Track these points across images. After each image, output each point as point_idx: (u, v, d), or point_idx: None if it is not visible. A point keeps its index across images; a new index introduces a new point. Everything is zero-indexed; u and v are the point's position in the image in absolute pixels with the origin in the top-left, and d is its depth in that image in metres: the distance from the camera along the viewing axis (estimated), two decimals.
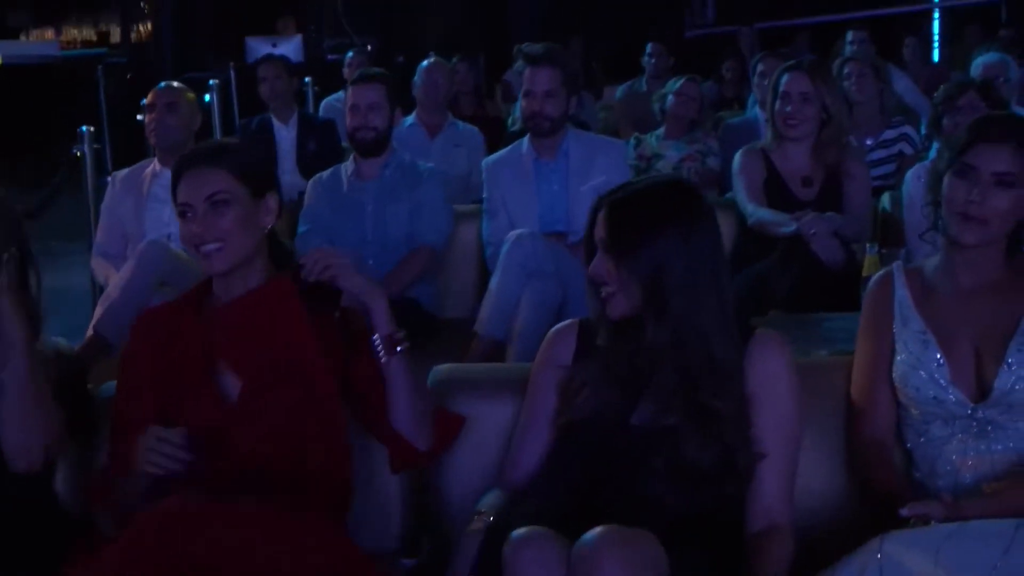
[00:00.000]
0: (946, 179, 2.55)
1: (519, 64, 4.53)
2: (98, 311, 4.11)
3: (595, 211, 2.42)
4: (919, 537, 2.22)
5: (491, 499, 2.46)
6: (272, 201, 2.63)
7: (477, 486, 2.59)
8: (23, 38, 16.71)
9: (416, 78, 6.46)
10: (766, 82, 5.25)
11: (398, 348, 2.58)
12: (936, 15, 13.92)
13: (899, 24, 12.90)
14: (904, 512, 2.28)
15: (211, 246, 2.51)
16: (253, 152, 2.77)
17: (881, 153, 5.72)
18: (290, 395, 2.52)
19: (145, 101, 4.75)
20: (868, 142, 5.75)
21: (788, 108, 4.40)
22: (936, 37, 13.68)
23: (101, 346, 3.94)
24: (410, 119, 6.36)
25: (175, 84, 4.79)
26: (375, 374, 2.58)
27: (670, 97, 6.24)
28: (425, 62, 6.57)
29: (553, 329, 2.58)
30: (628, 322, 2.39)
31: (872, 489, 2.59)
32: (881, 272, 2.73)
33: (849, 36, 8.37)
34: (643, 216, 2.36)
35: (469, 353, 4.07)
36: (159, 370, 2.56)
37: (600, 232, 2.37)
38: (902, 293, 2.63)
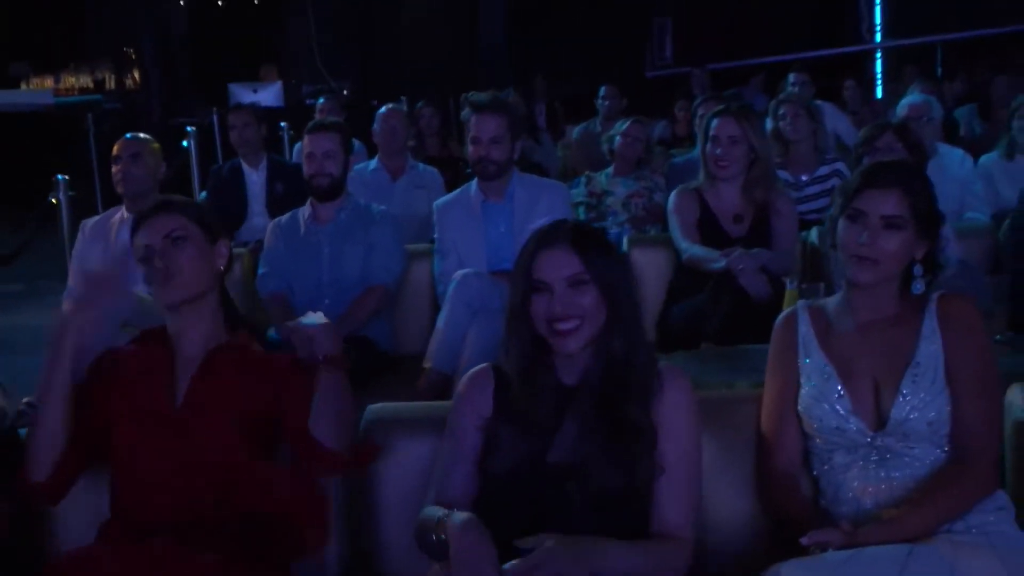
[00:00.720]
0: (840, 223, 2.59)
1: (466, 112, 4.54)
2: None
3: (534, 252, 2.41)
4: (815, 564, 2.24)
5: (432, 510, 2.43)
6: (224, 247, 2.72)
7: (408, 515, 2.57)
8: (24, 86, 16.71)
9: (375, 124, 6.47)
10: None
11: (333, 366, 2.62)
12: (878, 55, 14.04)
13: (844, 64, 13.02)
14: (804, 541, 2.31)
15: (168, 278, 2.61)
16: (203, 204, 2.82)
17: (815, 188, 5.76)
18: (232, 436, 2.55)
19: (113, 152, 4.74)
20: (803, 178, 5.79)
21: (718, 150, 4.44)
22: (879, 76, 13.81)
23: None
24: (373, 163, 6.38)
25: (140, 135, 4.78)
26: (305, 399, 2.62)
27: (617, 138, 6.27)
28: (383, 108, 6.58)
29: (468, 374, 2.57)
30: (547, 362, 2.42)
31: (780, 517, 2.61)
32: (786, 311, 2.76)
33: (791, 78, 8.45)
34: (601, 243, 2.44)
35: (419, 386, 4.08)
36: (113, 409, 2.60)
37: (568, 268, 2.37)
38: (805, 330, 2.66)
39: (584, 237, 2.42)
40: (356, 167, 6.32)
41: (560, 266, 2.38)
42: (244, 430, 2.58)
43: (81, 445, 2.61)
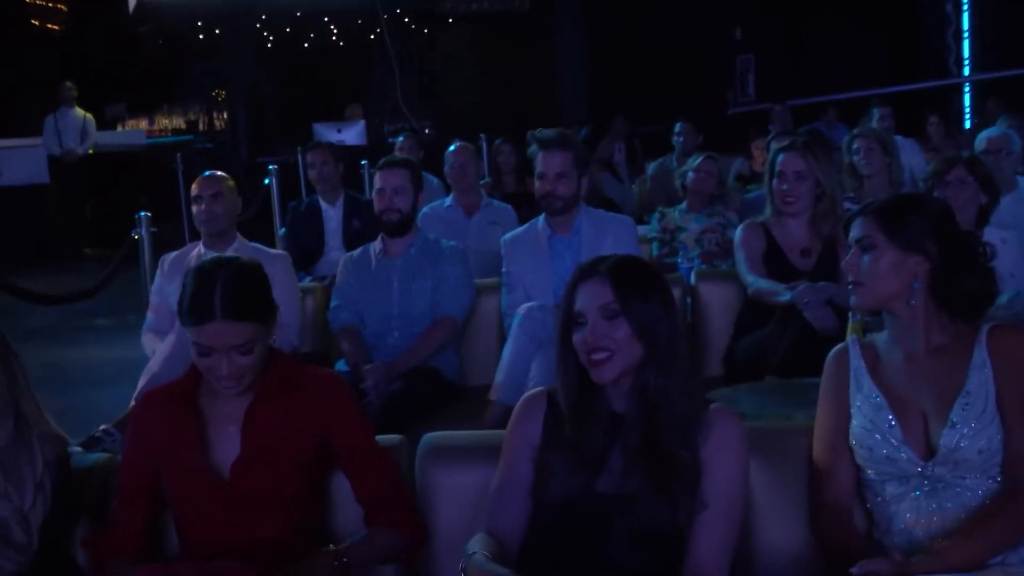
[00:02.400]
0: None
1: (532, 148, 4.60)
2: (141, 382, 4.22)
3: (576, 284, 2.47)
4: None
5: (477, 541, 2.47)
6: (275, 317, 2.63)
7: (461, 541, 2.60)
8: (120, 128, 17.22)
9: (445, 164, 6.56)
10: None
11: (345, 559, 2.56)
12: (967, 88, 13.86)
13: (930, 97, 12.89)
14: (854, 570, 2.31)
15: (236, 385, 2.56)
16: (256, 286, 2.61)
17: None
18: (283, 465, 2.59)
19: (192, 192, 4.88)
20: None
21: (784, 186, 4.45)
22: (967, 109, 13.63)
23: None
24: (448, 200, 6.47)
25: (217, 173, 4.91)
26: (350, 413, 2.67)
27: (690, 173, 6.30)
28: (452, 146, 6.66)
29: (523, 398, 2.62)
30: (595, 391, 2.45)
31: (832, 548, 2.61)
32: (838, 347, 2.77)
33: (876, 113, 8.38)
34: (639, 279, 2.45)
35: (485, 418, 4.12)
36: (156, 449, 2.62)
37: (601, 298, 2.42)
38: (857, 363, 2.68)
39: (623, 271, 2.45)
40: (432, 204, 6.44)
41: (594, 296, 2.43)
42: (299, 466, 2.61)
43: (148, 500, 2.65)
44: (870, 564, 2.33)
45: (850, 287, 2.66)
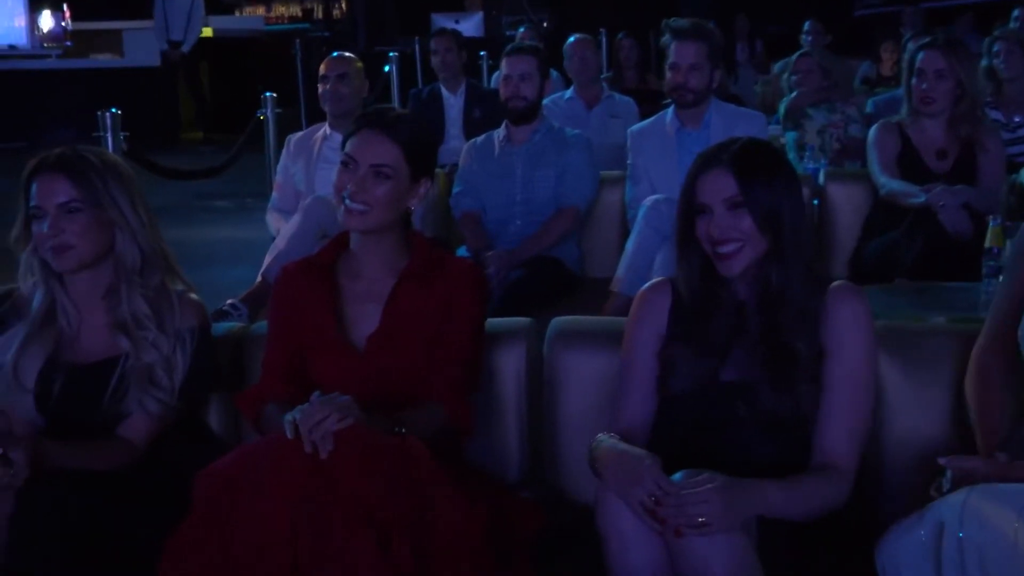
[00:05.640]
0: None
1: (665, 38, 4.50)
2: (267, 259, 4.30)
3: (697, 173, 2.38)
4: (1009, 491, 2.11)
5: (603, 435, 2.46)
6: (424, 187, 2.65)
7: (588, 427, 2.61)
8: (237, 13, 17.33)
9: (565, 59, 6.48)
10: None
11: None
12: None
13: None
14: (942, 461, 2.22)
15: (358, 206, 2.57)
16: (425, 133, 2.71)
17: None
18: (414, 341, 2.61)
19: (320, 71, 4.89)
20: (1016, 119, 5.55)
21: (924, 85, 4.32)
22: None
23: (266, 290, 4.09)
24: (569, 92, 6.41)
25: (346, 54, 4.92)
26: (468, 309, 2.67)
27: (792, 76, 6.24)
28: (571, 38, 6.58)
29: (645, 287, 2.58)
30: (719, 281, 2.41)
31: (974, 418, 2.49)
32: None
33: (1016, 13, 8.06)
34: (763, 167, 2.36)
35: (605, 310, 4.11)
36: (296, 319, 2.66)
37: (725, 191, 2.33)
38: None
39: (747, 160, 2.35)
40: (553, 96, 6.38)
41: (718, 188, 2.34)
42: (428, 345, 2.62)
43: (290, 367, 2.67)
44: (959, 460, 2.22)
45: None
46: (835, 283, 2.42)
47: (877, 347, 2.44)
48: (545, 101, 6.10)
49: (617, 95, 6.45)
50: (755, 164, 2.35)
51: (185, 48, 12.97)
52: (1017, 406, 2.50)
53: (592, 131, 5.79)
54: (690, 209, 2.40)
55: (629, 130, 4.75)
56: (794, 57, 6.30)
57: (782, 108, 6.25)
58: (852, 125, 5.95)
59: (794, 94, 6.18)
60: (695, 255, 2.42)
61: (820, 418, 2.34)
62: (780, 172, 2.38)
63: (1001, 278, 2.60)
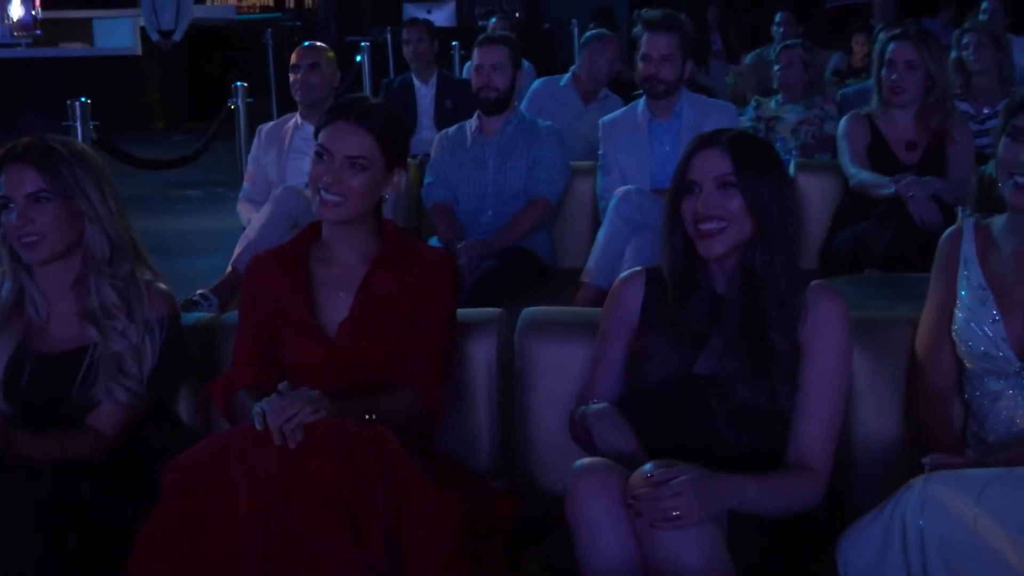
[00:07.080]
0: (1000, 142, 2.51)
1: (637, 29, 4.51)
2: (237, 249, 4.28)
3: (692, 153, 2.41)
4: (964, 477, 2.17)
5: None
6: (398, 176, 2.66)
7: (558, 416, 2.65)
8: (208, 3, 17.21)
9: (578, 53, 6.40)
10: None
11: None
12: None
13: None
14: (924, 461, 2.25)
15: (333, 197, 2.57)
16: (399, 123, 2.71)
17: (998, 122, 5.53)
18: (385, 328, 2.61)
19: (291, 61, 4.87)
20: (985, 110, 5.57)
21: (894, 76, 4.33)
22: None
23: (237, 280, 4.06)
24: (565, 78, 6.36)
25: (317, 44, 4.90)
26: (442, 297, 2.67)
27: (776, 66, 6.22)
28: (589, 33, 6.51)
29: (621, 277, 2.60)
30: (699, 267, 2.43)
31: (926, 440, 2.55)
32: (953, 226, 2.68)
33: (984, 5, 8.09)
34: (758, 154, 2.40)
35: (576, 300, 4.12)
36: (268, 306, 2.66)
37: (718, 168, 2.36)
38: (968, 247, 2.58)
39: (743, 145, 2.39)
40: (548, 77, 6.43)
41: (711, 166, 2.37)
42: (399, 332, 2.62)
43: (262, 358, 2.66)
44: (940, 459, 2.26)
45: (1012, 181, 2.46)
46: (814, 283, 2.44)
47: (852, 347, 2.47)
48: (538, 82, 6.13)
49: (615, 96, 6.41)
50: (751, 149, 2.40)
51: (176, 37, 12.92)
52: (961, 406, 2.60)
53: (581, 124, 5.74)
54: (680, 189, 2.41)
55: (601, 120, 4.75)
56: (777, 48, 6.28)
57: (753, 102, 6.26)
58: (828, 122, 5.96)
59: (780, 95, 6.18)
60: (680, 237, 2.43)
61: (796, 419, 2.36)
62: (774, 165, 2.42)
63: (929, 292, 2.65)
